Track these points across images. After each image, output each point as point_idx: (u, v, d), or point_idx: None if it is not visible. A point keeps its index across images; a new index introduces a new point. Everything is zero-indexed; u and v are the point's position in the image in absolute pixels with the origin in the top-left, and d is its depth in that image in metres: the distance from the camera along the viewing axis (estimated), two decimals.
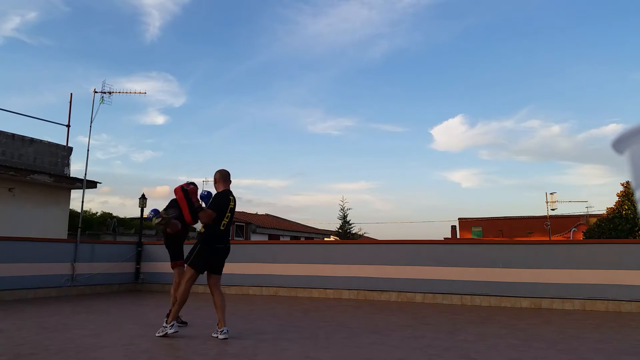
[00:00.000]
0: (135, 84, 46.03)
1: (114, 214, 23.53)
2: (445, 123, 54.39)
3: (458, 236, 37.83)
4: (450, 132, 55.49)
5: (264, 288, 9.32)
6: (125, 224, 22.41)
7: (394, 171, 61.19)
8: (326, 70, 49.19)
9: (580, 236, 26.16)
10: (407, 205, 63.80)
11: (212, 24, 46.06)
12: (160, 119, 52.95)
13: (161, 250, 10.45)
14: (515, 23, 43.49)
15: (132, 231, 20.66)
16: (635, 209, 18.06)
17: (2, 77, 42.08)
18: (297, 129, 54.22)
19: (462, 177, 60.48)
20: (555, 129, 55.06)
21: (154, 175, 59.98)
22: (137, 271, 10.29)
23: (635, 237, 17.99)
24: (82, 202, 10.27)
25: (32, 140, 11.90)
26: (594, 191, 57.78)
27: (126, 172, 54.79)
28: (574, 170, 58.48)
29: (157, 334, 4.62)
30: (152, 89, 49.24)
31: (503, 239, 27.72)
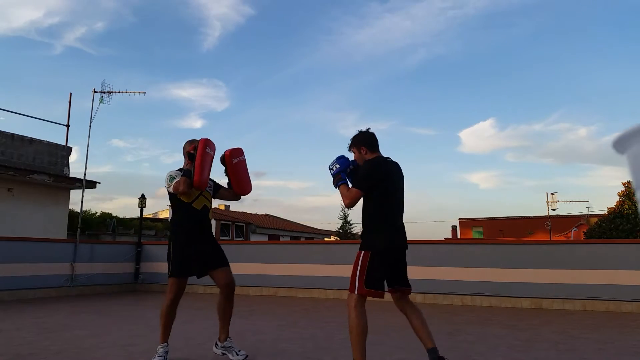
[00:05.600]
0: (183, 91, 46.49)
1: (114, 214, 23.52)
2: (476, 126, 54.34)
3: (459, 236, 37.83)
4: (479, 135, 55.48)
5: (264, 288, 9.31)
6: (124, 224, 22.38)
7: (417, 173, 61.25)
8: (363, 76, 49.51)
9: (581, 236, 26.14)
10: (421, 206, 63.76)
11: (262, 33, 46.40)
12: (198, 123, 53.36)
13: (160, 250, 10.48)
14: (553, 28, 43.47)
15: (132, 231, 20.64)
16: (636, 209, 18.03)
17: (55, 84, 42.67)
18: (330, 133, 54.43)
19: (481, 178, 60.44)
20: (582, 131, 55.03)
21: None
22: (137, 271, 10.28)
23: (636, 237, 17.98)
24: (82, 202, 10.27)
25: (32, 140, 11.90)
26: (611, 192, 57.83)
27: (153, 174, 55.26)
28: (594, 172, 58.43)
29: None
30: (200, 95, 49.65)
31: (504, 238, 27.72)
